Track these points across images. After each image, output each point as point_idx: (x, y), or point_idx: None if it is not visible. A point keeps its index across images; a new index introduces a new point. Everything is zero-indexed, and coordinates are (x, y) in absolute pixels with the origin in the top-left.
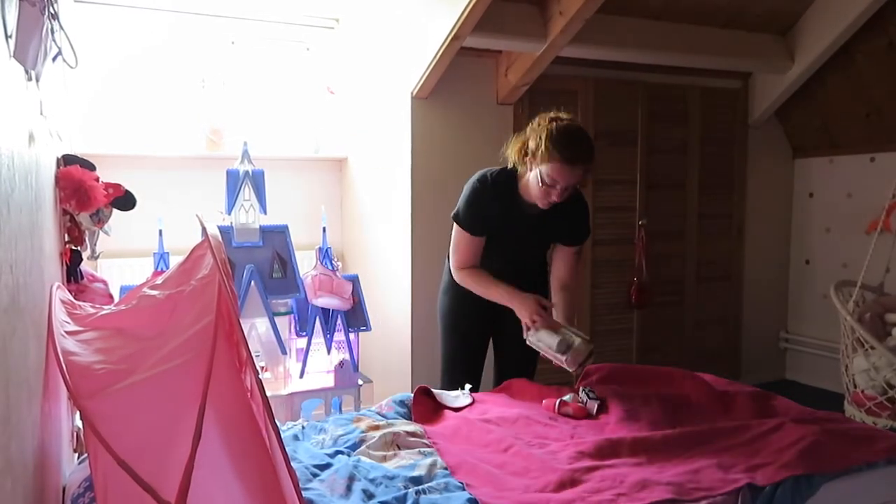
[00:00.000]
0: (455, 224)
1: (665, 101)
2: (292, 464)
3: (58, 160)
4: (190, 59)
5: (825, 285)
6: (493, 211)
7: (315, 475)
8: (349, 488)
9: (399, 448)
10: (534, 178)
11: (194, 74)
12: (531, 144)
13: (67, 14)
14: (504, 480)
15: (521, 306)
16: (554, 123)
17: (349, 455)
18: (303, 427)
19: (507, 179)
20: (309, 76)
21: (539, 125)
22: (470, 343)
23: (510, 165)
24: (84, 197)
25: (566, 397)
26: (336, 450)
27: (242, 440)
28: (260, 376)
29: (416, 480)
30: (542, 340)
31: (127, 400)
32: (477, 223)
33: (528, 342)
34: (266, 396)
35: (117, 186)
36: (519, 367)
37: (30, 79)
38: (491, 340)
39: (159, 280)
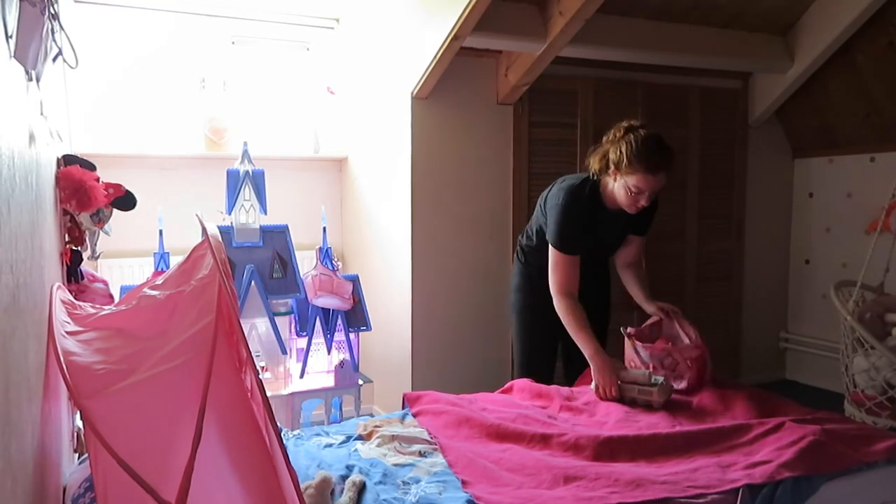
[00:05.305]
0: (554, 249)
1: (665, 101)
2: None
3: (58, 160)
4: (190, 59)
5: (825, 285)
6: (585, 221)
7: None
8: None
9: (399, 444)
10: (620, 187)
11: (194, 74)
12: (612, 157)
13: (68, 14)
14: (500, 477)
15: (602, 370)
16: (631, 135)
17: (349, 451)
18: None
19: (592, 192)
20: (309, 76)
21: (616, 137)
22: (546, 338)
23: (593, 176)
24: (84, 197)
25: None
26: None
27: (243, 440)
28: (260, 376)
29: (415, 478)
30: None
31: (127, 400)
32: (577, 243)
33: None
34: (266, 396)
35: (117, 186)
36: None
37: (30, 79)
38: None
39: (159, 280)
